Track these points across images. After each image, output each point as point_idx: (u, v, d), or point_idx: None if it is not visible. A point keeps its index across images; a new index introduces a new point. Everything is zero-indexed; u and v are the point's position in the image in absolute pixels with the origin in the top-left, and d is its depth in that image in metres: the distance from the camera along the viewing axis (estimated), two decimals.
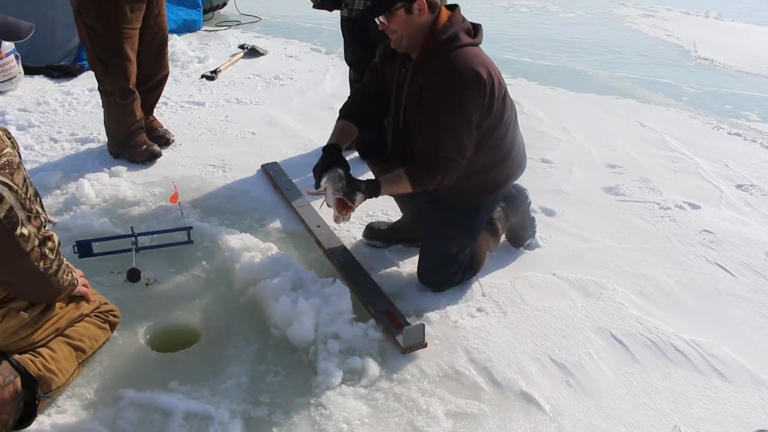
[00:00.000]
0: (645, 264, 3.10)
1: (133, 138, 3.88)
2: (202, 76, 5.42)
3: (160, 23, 3.84)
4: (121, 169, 3.79)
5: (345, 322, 2.53)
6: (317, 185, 2.63)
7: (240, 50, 6.09)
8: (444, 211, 2.81)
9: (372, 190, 2.59)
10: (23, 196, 1.93)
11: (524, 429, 2.19)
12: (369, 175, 3.82)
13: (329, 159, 2.62)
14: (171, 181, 3.59)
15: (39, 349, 2.18)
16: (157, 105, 4.22)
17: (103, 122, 3.96)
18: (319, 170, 2.61)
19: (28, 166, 3.81)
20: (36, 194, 2.03)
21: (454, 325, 2.64)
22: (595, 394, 2.33)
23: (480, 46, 2.61)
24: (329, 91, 5.21)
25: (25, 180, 1.96)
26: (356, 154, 3.40)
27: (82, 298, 2.33)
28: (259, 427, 2.15)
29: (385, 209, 3.45)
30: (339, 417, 2.17)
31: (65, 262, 2.18)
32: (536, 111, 4.90)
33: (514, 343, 2.56)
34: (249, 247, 2.95)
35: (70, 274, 2.19)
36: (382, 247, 3.14)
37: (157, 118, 4.24)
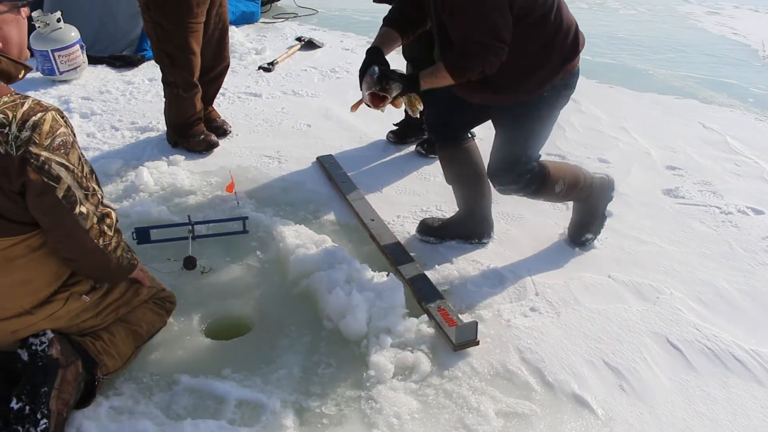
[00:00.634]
0: (704, 269, 3.03)
1: (192, 128, 3.95)
2: (259, 68, 5.47)
3: (222, 14, 3.89)
4: (179, 158, 3.86)
5: (398, 316, 2.53)
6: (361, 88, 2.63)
7: (297, 42, 6.13)
8: (506, 112, 2.76)
9: (410, 83, 2.56)
10: (80, 174, 1.95)
11: None
12: (419, 170, 3.84)
13: (367, 60, 2.63)
14: (227, 171, 3.64)
15: (99, 333, 2.23)
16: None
17: (162, 112, 4.05)
18: (360, 73, 2.61)
19: (90, 154, 3.92)
20: (92, 172, 2.05)
21: (507, 324, 2.62)
22: (650, 401, 2.29)
23: None
24: None
25: (80, 159, 1.97)
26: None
27: (141, 284, 2.38)
28: (309, 417, 2.18)
29: (439, 205, 3.44)
30: (389, 411, 2.18)
31: (124, 241, 2.19)
32: (594, 110, 4.82)
33: (567, 344, 2.53)
34: (303, 239, 2.98)
35: (129, 253, 2.22)
36: (435, 243, 3.13)
37: (215, 108, 4.30)
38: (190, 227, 3.04)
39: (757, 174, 3.98)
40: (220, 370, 2.34)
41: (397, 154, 4.04)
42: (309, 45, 6.11)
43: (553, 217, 3.38)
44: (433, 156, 3.91)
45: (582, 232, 3.11)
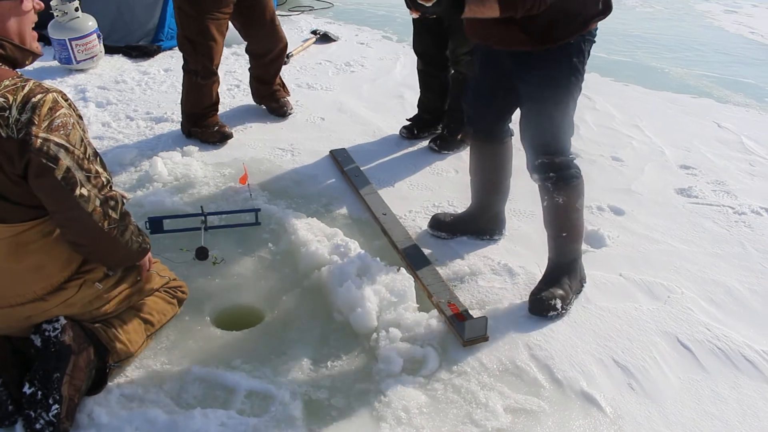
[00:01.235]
0: (716, 269, 3.01)
1: (207, 118, 3.97)
2: None
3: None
4: (193, 148, 3.87)
5: (408, 311, 2.54)
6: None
7: (312, 36, 6.13)
8: (530, 74, 2.65)
9: (455, 2, 2.32)
10: (80, 156, 1.93)
11: (584, 429, 2.16)
12: (432, 165, 3.84)
13: None
14: (241, 163, 3.66)
15: (111, 320, 2.26)
16: (230, 87, 4.29)
17: (177, 102, 4.07)
18: None
19: (105, 143, 3.94)
20: (96, 154, 2.02)
21: (517, 320, 2.62)
22: (659, 400, 2.29)
23: None
24: (399, 80, 5.20)
25: (82, 140, 1.95)
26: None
27: (153, 272, 2.40)
28: (318, 409, 2.19)
29: (451, 200, 3.44)
30: (398, 405, 2.19)
31: (134, 224, 2.18)
32: (609, 107, 4.79)
33: (576, 341, 2.53)
34: (315, 232, 2.99)
35: (140, 237, 2.20)
36: (447, 238, 3.13)
37: (276, 91, 4.40)
38: (202, 218, 3.06)
39: None
40: (230, 361, 2.36)
41: (410, 149, 4.04)
42: (324, 38, 6.11)
43: None
44: (446, 152, 3.91)
45: (552, 293, 2.70)
